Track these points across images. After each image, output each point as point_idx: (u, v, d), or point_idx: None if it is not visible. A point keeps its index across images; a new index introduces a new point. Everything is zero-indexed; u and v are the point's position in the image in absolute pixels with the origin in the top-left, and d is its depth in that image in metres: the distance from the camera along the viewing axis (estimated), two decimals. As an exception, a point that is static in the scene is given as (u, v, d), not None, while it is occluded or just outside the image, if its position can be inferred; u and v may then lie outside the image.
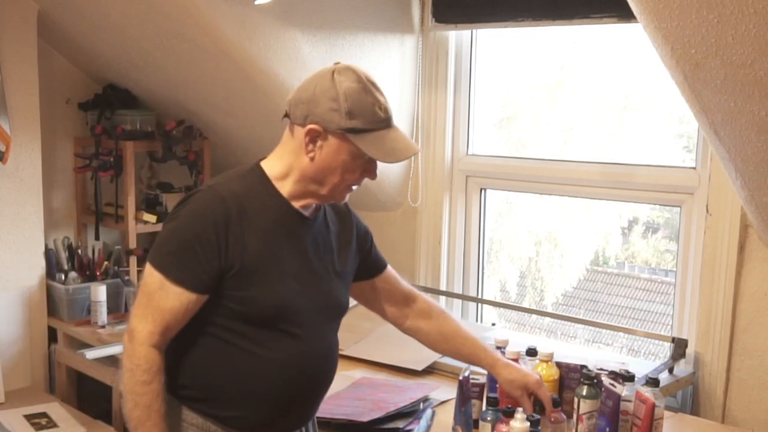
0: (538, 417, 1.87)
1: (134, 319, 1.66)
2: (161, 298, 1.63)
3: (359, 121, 1.63)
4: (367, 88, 1.65)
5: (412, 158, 3.10)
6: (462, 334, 2.05)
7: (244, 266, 1.65)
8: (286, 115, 1.72)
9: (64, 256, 3.27)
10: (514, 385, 1.93)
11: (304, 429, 1.85)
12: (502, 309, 3.19)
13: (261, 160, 1.79)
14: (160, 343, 1.65)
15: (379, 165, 1.70)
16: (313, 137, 1.66)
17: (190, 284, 1.63)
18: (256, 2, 2.45)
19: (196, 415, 1.72)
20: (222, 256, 1.64)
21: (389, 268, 2.03)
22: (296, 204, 1.74)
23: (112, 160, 3.25)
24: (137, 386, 1.63)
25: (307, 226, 1.76)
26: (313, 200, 1.75)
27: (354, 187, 1.74)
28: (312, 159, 1.68)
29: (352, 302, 3.03)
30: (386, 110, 1.67)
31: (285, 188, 1.73)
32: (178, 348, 1.71)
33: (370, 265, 1.98)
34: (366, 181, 3.05)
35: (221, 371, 1.70)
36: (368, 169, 1.71)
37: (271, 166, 1.76)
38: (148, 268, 1.66)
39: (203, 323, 1.68)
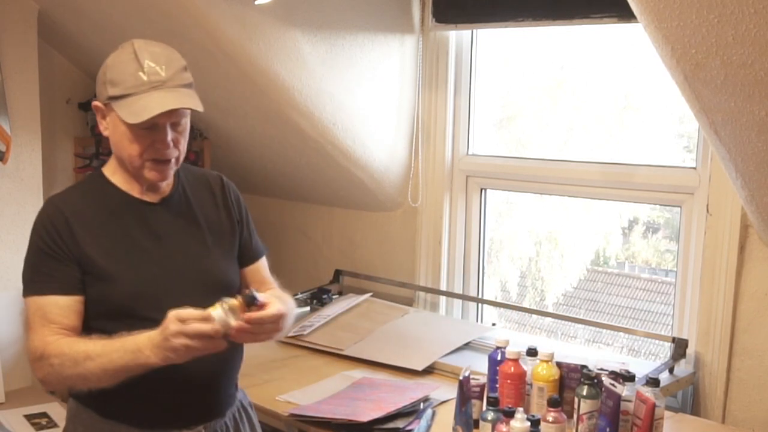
0: (538, 417, 1.88)
1: (28, 352, 1.68)
2: (41, 315, 1.66)
3: (119, 88, 1.64)
4: (136, 56, 1.64)
5: (412, 158, 3.10)
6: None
7: (88, 263, 1.67)
8: None
9: (64, 256, 3.27)
10: None
11: (225, 424, 1.82)
12: (502, 309, 3.19)
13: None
14: (57, 338, 1.65)
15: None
16: (99, 115, 1.71)
17: (60, 288, 1.67)
18: (256, 2, 2.45)
19: (98, 417, 1.74)
20: (68, 256, 1.67)
21: (262, 260, 1.97)
22: (135, 192, 1.76)
23: (112, 160, 3.25)
24: (74, 358, 1.60)
25: (155, 210, 1.77)
26: (136, 182, 1.75)
27: (162, 161, 1.69)
28: (108, 137, 1.71)
29: (351, 303, 3.05)
30: (155, 73, 1.63)
31: (118, 179, 1.76)
32: None
33: (243, 253, 1.91)
34: (366, 180, 3.06)
35: None
36: (156, 138, 1.67)
37: (109, 163, 1.80)
38: (24, 303, 1.71)
39: (85, 329, 1.69)
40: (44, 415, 2.93)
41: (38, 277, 1.69)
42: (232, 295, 1.64)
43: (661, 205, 2.87)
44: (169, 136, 1.67)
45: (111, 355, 1.57)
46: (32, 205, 3.14)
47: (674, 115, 2.74)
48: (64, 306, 1.66)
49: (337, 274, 3.34)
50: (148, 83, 1.63)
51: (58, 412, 2.96)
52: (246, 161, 3.34)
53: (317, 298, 3.13)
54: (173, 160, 1.71)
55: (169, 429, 1.74)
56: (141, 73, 1.63)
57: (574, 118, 3.05)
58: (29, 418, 2.89)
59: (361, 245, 3.38)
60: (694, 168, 2.52)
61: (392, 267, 3.25)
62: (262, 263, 1.96)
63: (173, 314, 1.52)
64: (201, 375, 1.73)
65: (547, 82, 3.11)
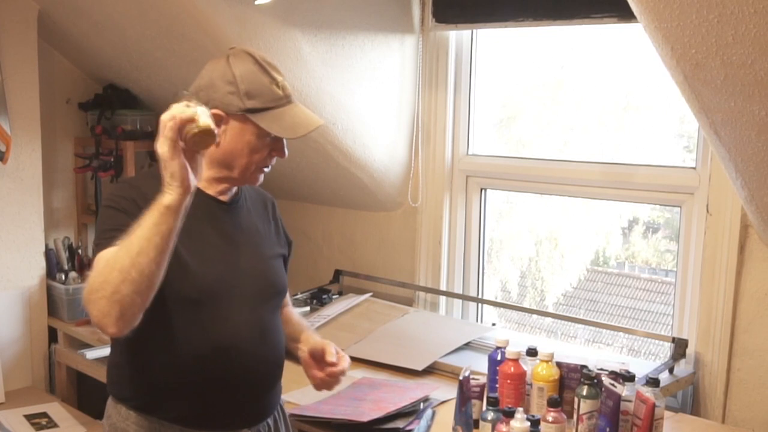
0: (538, 417, 1.88)
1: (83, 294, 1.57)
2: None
3: (258, 101, 1.67)
4: (263, 68, 1.69)
5: (412, 158, 3.11)
6: (293, 322, 2.02)
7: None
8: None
9: (64, 256, 3.27)
10: (306, 346, 1.91)
11: (267, 424, 1.83)
12: (502, 309, 3.19)
13: None
14: None
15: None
16: (215, 122, 1.66)
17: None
18: (256, 2, 2.45)
19: (152, 420, 1.72)
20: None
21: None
22: (211, 190, 1.76)
23: (112, 160, 3.25)
24: (110, 264, 1.49)
25: (227, 210, 1.79)
26: (227, 185, 1.77)
27: (266, 169, 1.76)
28: (218, 144, 1.67)
29: (351, 303, 3.05)
30: (284, 88, 1.71)
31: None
32: (121, 360, 1.74)
33: None
34: (366, 180, 3.07)
35: (154, 366, 1.70)
36: (276, 148, 1.74)
37: None
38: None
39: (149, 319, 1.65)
40: (44, 415, 2.93)
41: (111, 233, 1.59)
42: (281, 301, 1.86)
43: (661, 205, 2.87)
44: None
45: (135, 230, 1.48)
46: (32, 205, 3.15)
47: (674, 115, 2.74)
48: None
49: (337, 274, 3.34)
50: (283, 97, 1.70)
51: (58, 412, 2.97)
52: (246, 161, 3.34)
53: (317, 298, 3.13)
54: None
55: (214, 430, 1.74)
56: (276, 87, 1.69)
57: (575, 118, 3.05)
58: (29, 418, 2.90)
59: (361, 245, 3.38)
60: (694, 168, 2.52)
61: (392, 267, 3.25)
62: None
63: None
64: (253, 376, 1.74)
65: (547, 82, 3.11)
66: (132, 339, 1.68)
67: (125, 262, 1.47)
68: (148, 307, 1.58)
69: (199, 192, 1.75)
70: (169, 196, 1.46)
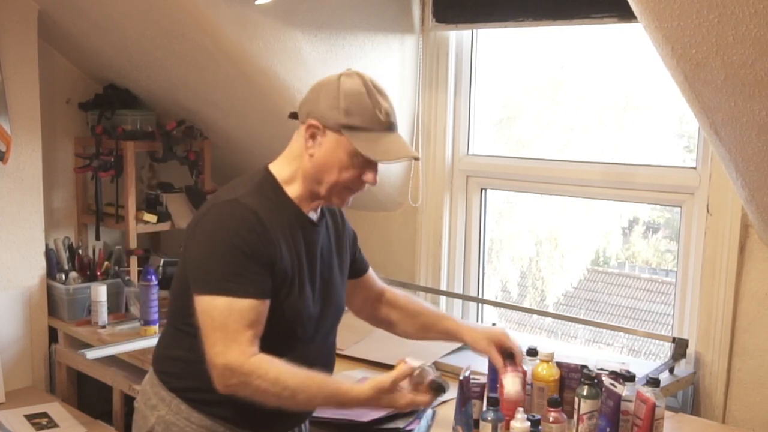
0: (539, 417, 1.88)
1: (219, 358, 1.60)
2: (237, 320, 1.60)
3: (356, 119, 1.66)
4: (370, 91, 1.68)
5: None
6: (425, 311, 2.11)
7: (277, 270, 1.66)
8: (294, 116, 1.75)
9: (64, 256, 3.27)
10: (480, 340, 1.97)
11: (303, 425, 1.89)
12: (502, 309, 3.18)
13: (269, 163, 1.80)
14: (256, 350, 1.62)
15: (380, 165, 1.71)
16: (312, 133, 1.70)
17: (258, 292, 1.63)
18: (256, 2, 2.45)
19: (204, 416, 1.73)
20: (265, 260, 1.65)
21: (370, 269, 2.07)
22: (305, 208, 1.76)
23: (112, 160, 3.25)
24: (278, 388, 1.60)
25: (316, 232, 1.79)
26: (317, 202, 1.77)
27: (355, 191, 1.76)
28: (311, 156, 1.71)
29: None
30: (388, 115, 1.69)
31: (294, 192, 1.75)
32: (189, 353, 1.71)
33: (356, 267, 2.01)
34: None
35: None
36: (366, 171, 1.72)
37: (280, 170, 1.77)
38: (206, 301, 1.62)
39: None
40: (44, 415, 2.93)
41: (235, 278, 1.61)
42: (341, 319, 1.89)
43: (661, 205, 2.87)
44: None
45: (315, 400, 1.68)
46: (32, 205, 3.14)
47: (674, 114, 2.74)
48: (261, 311, 1.63)
49: (338, 274, 3.33)
50: (383, 124, 1.68)
51: (58, 412, 2.96)
52: (246, 161, 3.33)
53: (317, 298, 3.13)
54: None
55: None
56: (378, 112, 1.68)
57: (575, 118, 3.05)
58: (29, 418, 2.89)
59: (361, 245, 3.37)
60: (695, 168, 2.52)
61: (392, 267, 3.25)
62: (371, 271, 2.07)
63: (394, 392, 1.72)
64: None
65: (547, 82, 3.11)
66: None
67: (284, 402, 1.63)
68: None
69: (297, 209, 1.75)
70: (367, 402, 1.71)
